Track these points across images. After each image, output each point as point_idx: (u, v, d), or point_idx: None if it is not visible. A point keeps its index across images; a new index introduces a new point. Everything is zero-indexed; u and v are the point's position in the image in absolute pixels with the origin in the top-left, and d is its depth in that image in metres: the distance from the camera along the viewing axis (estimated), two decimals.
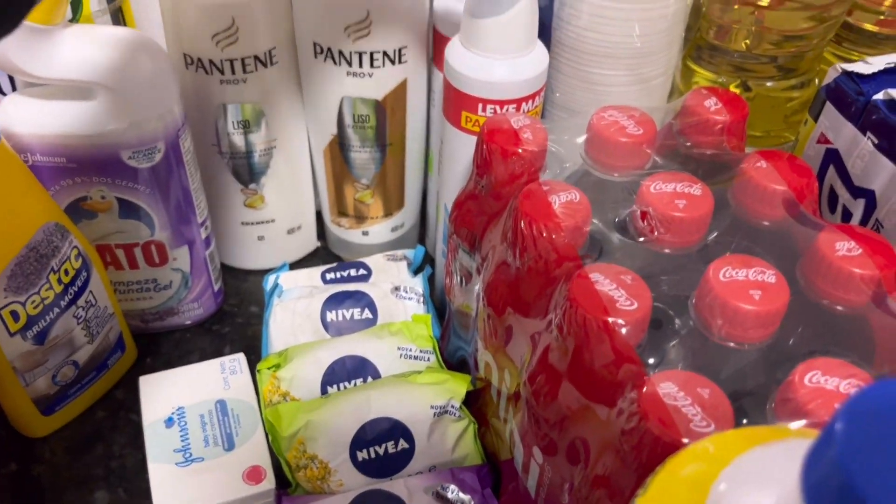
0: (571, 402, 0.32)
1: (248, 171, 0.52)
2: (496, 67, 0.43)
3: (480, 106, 0.43)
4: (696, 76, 0.52)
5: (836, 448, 0.15)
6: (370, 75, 0.47)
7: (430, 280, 0.53)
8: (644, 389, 0.28)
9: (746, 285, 0.31)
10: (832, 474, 0.15)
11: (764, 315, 0.30)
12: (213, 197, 0.52)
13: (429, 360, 0.46)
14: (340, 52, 0.46)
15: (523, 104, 0.44)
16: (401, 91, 0.49)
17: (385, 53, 0.46)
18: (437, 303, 0.53)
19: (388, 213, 0.55)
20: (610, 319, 0.30)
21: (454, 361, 0.48)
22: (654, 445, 0.27)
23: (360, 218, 0.55)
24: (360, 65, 0.47)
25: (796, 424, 0.26)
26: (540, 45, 0.44)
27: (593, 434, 0.31)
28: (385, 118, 0.50)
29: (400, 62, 0.47)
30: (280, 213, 0.55)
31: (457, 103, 0.44)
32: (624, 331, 0.30)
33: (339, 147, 0.51)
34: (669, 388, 0.28)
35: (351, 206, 0.55)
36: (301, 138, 0.53)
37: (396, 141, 0.51)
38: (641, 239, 0.35)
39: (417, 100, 0.51)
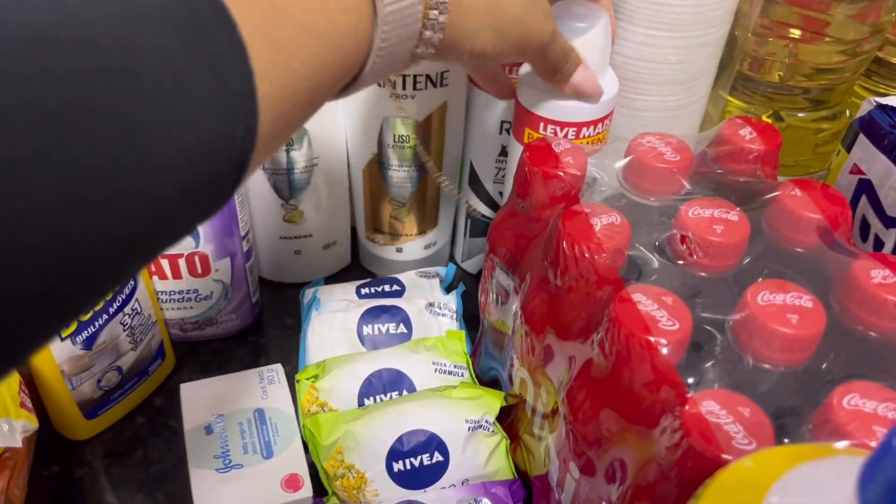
0: (611, 418, 0.33)
1: (288, 188, 0.53)
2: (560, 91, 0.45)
3: (542, 125, 0.45)
4: (729, 105, 0.53)
5: (893, 461, 0.16)
6: (412, 97, 0.49)
7: (464, 297, 0.54)
8: (687, 407, 0.29)
9: (784, 309, 0.32)
10: (891, 486, 0.16)
11: (801, 339, 0.31)
12: (255, 211, 0.54)
13: (462, 375, 0.47)
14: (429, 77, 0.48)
15: (584, 129, 0.45)
16: (441, 113, 0.50)
17: (428, 76, 0.48)
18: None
19: (421, 232, 0.57)
20: (652, 339, 0.31)
21: (485, 378, 0.49)
22: (697, 461, 0.28)
23: (395, 235, 0.57)
24: (404, 87, 0.48)
25: (841, 444, 0.27)
26: (611, 74, 0.46)
27: (631, 451, 0.32)
28: (424, 138, 0.51)
29: (442, 85, 0.49)
30: (317, 228, 0.56)
31: (520, 121, 0.46)
32: (665, 350, 0.31)
33: (378, 166, 0.53)
34: (711, 406, 0.29)
35: (386, 224, 0.56)
36: (340, 157, 0.55)
37: (434, 161, 0.53)
38: (680, 262, 0.36)
39: (456, 121, 0.52)
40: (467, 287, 0.55)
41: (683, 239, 0.36)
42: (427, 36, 0.32)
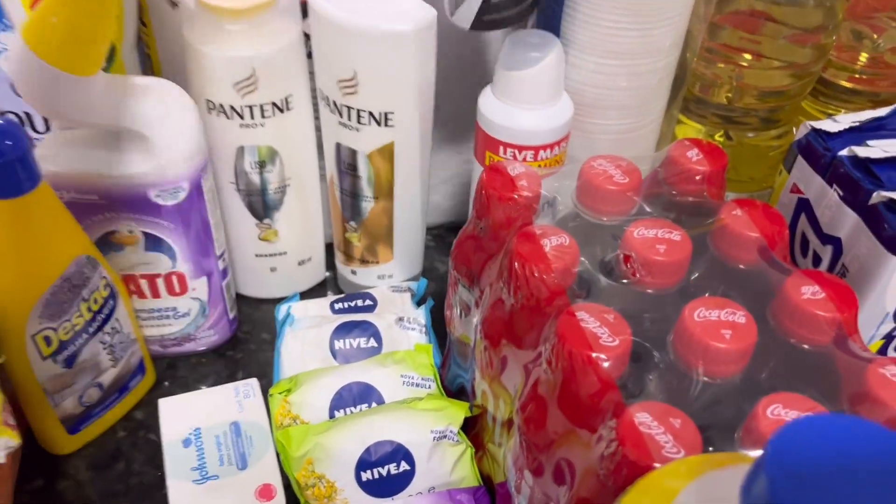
0: (558, 428, 0.35)
1: (262, 207, 0.55)
2: (517, 116, 0.47)
3: (502, 148, 0.48)
4: (684, 126, 0.55)
5: (764, 476, 0.18)
6: (357, 129, 0.50)
7: (433, 312, 0.56)
8: (622, 418, 0.31)
9: (718, 325, 0.34)
10: (761, 499, 0.18)
11: (734, 352, 0.34)
12: (230, 231, 0.56)
13: (430, 387, 0.50)
14: (335, 103, 0.50)
15: (541, 151, 0.48)
16: (387, 151, 0.51)
17: (371, 114, 0.49)
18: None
19: (374, 261, 0.58)
20: (593, 354, 0.33)
21: (453, 388, 0.51)
22: (630, 470, 0.30)
23: (349, 257, 0.59)
24: (349, 118, 0.50)
25: (754, 452, 0.29)
26: (566, 99, 0.48)
27: (578, 457, 0.34)
28: (371, 172, 0.52)
29: (386, 125, 0.50)
30: (291, 246, 0.58)
31: (482, 144, 0.48)
32: (606, 364, 0.33)
33: (336, 187, 0.55)
34: (644, 417, 0.31)
35: (342, 243, 0.58)
36: (313, 177, 0.57)
37: (382, 195, 0.54)
38: (625, 280, 0.39)
39: (408, 163, 0.53)
40: (436, 302, 0.57)
41: (627, 259, 0.38)
42: None
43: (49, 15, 0.39)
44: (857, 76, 0.53)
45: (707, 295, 0.38)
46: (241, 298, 0.60)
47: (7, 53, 0.45)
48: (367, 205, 0.54)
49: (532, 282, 0.38)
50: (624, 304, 0.37)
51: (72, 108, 0.44)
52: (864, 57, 0.52)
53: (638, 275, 0.38)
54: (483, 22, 0.46)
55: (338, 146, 0.52)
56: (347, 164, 0.52)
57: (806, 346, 0.37)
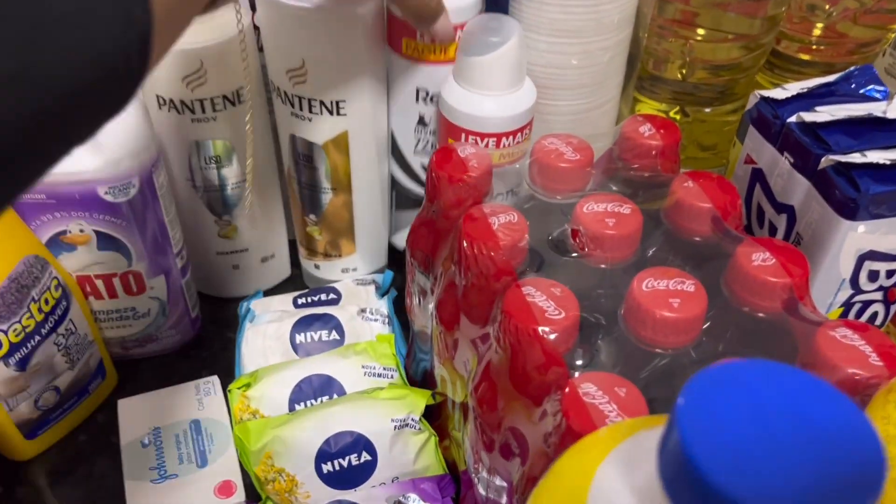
0: (509, 403, 0.34)
1: (221, 204, 0.55)
2: (479, 102, 0.46)
3: (464, 136, 0.47)
4: (641, 104, 0.55)
5: (676, 428, 0.18)
6: (309, 119, 0.50)
7: (395, 301, 0.56)
8: (566, 389, 0.30)
9: (667, 294, 0.34)
10: (675, 452, 0.17)
11: (682, 322, 0.33)
12: (189, 229, 0.55)
13: (392, 377, 0.49)
14: (285, 93, 0.49)
15: (504, 139, 0.47)
16: (342, 141, 0.51)
17: (322, 102, 0.49)
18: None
19: (336, 254, 0.57)
20: (540, 328, 0.33)
21: (418, 378, 0.51)
22: (575, 440, 0.29)
23: (312, 251, 0.58)
24: (301, 108, 0.49)
25: None
26: (528, 84, 0.47)
27: (529, 432, 0.34)
28: (325, 162, 0.52)
29: (338, 113, 0.49)
30: (253, 242, 0.58)
31: (444, 132, 0.48)
32: (552, 337, 0.33)
33: (294, 180, 0.54)
34: (589, 387, 0.30)
35: (304, 238, 0.57)
36: (272, 171, 0.56)
37: (341, 187, 0.53)
38: (574, 255, 0.38)
39: (364, 153, 0.52)
40: (399, 292, 0.57)
41: (575, 233, 0.38)
42: None
43: None
44: (811, 47, 0.53)
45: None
46: (204, 298, 0.60)
47: None
48: (326, 197, 0.54)
49: (480, 259, 0.37)
50: (576, 280, 0.36)
51: None
52: (818, 28, 0.52)
53: (587, 249, 0.38)
54: None
55: (292, 138, 0.52)
56: (303, 155, 0.52)
57: (760, 315, 0.36)
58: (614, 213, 0.38)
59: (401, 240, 0.58)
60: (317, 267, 0.58)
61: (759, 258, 0.36)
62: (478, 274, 0.38)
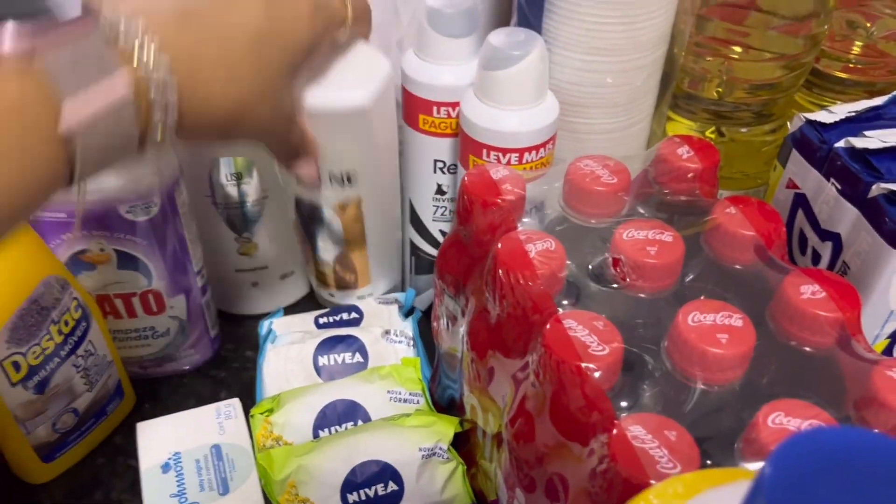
0: (549, 442, 0.33)
1: (241, 221, 0.54)
2: (500, 117, 0.45)
3: (485, 152, 0.46)
4: (675, 123, 0.54)
5: (764, 495, 0.16)
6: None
7: (421, 323, 0.54)
8: (614, 432, 0.29)
9: (714, 329, 0.32)
10: None
11: (731, 358, 0.32)
12: (209, 246, 0.54)
13: (418, 402, 0.48)
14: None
15: (526, 154, 0.46)
16: (353, 206, 0.51)
17: (330, 171, 0.49)
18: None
19: (352, 286, 0.57)
20: (583, 365, 0.31)
21: (444, 403, 0.49)
22: (624, 487, 0.28)
23: (324, 284, 0.57)
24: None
25: (754, 466, 0.27)
26: (551, 98, 0.46)
27: (570, 473, 0.32)
28: (339, 224, 0.52)
29: (349, 183, 0.49)
30: (273, 259, 0.56)
31: (466, 148, 0.47)
32: (596, 375, 0.31)
33: (303, 228, 0.54)
34: (638, 430, 0.29)
35: (315, 273, 0.57)
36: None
37: (355, 240, 0.53)
38: (615, 285, 0.37)
39: (376, 213, 0.52)
40: (423, 312, 0.55)
41: (616, 262, 0.36)
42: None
43: None
44: (851, 66, 0.51)
45: (702, 298, 0.36)
46: (223, 316, 0.59)
47: None
48: (339, 249, 0.53)
49: (517, 289, 0.36)
50: (615, 310, 0.35)
51: None
52: (857, 46, 0.51)
53: (628, 279, 0.36)
54: None
55: (298, 201, 0.51)
56: (311, 217, 0.52)
57: (807, 349, 0.35)
58: (656, 241, 0.37)
59: (422, 302, 0.58)
60: (332, 295, 0.58)
61: (809, 291, 0.35)
62: (513, 304, 0.36)
